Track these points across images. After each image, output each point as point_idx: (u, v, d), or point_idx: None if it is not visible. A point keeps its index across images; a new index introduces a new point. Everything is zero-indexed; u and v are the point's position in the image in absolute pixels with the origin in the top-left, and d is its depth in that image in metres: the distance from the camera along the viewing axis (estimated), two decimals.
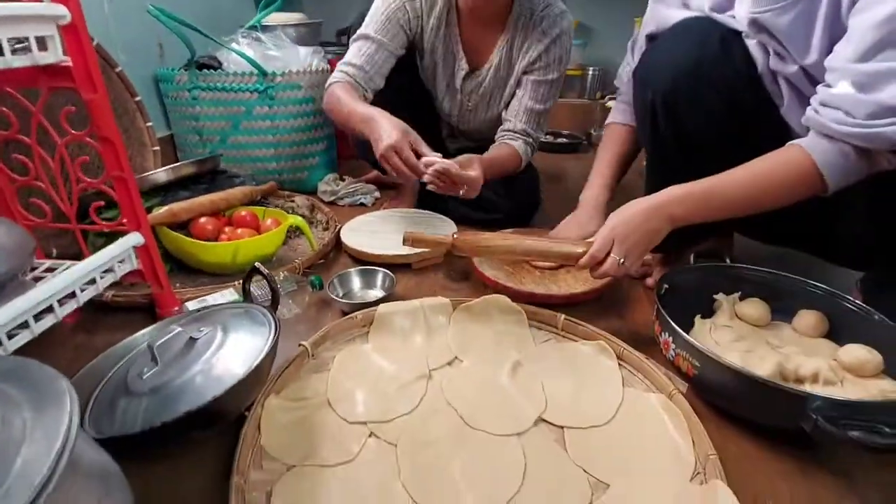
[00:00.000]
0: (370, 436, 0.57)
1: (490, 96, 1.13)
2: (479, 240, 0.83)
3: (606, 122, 1.00)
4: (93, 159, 0.94)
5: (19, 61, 0.51)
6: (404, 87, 1.11)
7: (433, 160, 0.86)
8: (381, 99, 1.04)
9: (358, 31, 1.04)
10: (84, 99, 0.58)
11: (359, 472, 0.52)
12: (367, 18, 1.04)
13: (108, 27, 1.18)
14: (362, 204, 1.29)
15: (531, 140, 1.10)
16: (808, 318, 0.71)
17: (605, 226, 0.70)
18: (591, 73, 2.18)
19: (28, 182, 0.68)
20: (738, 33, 0.71)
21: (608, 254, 0.69)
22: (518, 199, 1.13)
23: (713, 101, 0.71)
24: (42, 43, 0.54)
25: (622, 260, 0.68)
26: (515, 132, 1.09)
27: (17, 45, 0.52)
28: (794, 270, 0.76)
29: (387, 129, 0.86)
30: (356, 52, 1.03)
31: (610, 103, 2.01)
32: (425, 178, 0.87)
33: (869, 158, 0.61)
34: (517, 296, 0.80)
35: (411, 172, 0.87)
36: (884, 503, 0.53)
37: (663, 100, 0.74)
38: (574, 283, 0.87)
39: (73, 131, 0.63)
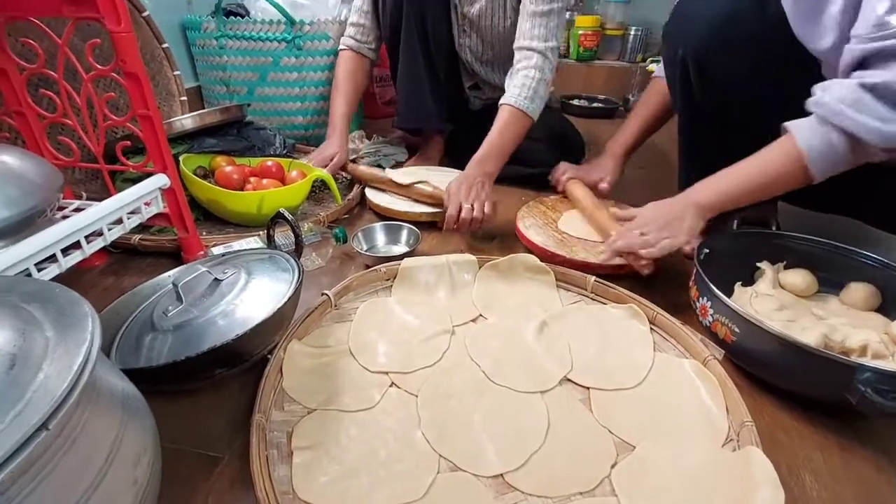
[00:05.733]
0: (391, 385, 0.56)
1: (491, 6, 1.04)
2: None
3: (653, 74, 0.94)
4: (121, 105, 0.95)
5: None
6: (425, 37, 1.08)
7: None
8: (400, 45, 1.08)
9: None
10: (109, 31, 0.57)
11: (379, 418, 0.52)
12: None
13: None
14: (380, 166, 1.17)
15: (538, 61, 0.93)
16: (858, 291, 0.67)
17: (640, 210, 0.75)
18: (633, 33, 2.05)
19: (56, 119, 0.67)
20: None
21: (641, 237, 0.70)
22: (561, 153, 1.07)
23: (748, 59, 0.65)
24: None
25: (641, 233, 0.70)
26: (518, 61, 0.95)
27: None
28: (843, 242, 0.70)
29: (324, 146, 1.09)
30: (354, 7, 1.13)
31: (652, 66, 1.90)
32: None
33: (858, 149, 0.54)
34: (567, 265, 0.77)
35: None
36: None
37: (695, 58, 0.69)
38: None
39: (99, 66, 0.61)
